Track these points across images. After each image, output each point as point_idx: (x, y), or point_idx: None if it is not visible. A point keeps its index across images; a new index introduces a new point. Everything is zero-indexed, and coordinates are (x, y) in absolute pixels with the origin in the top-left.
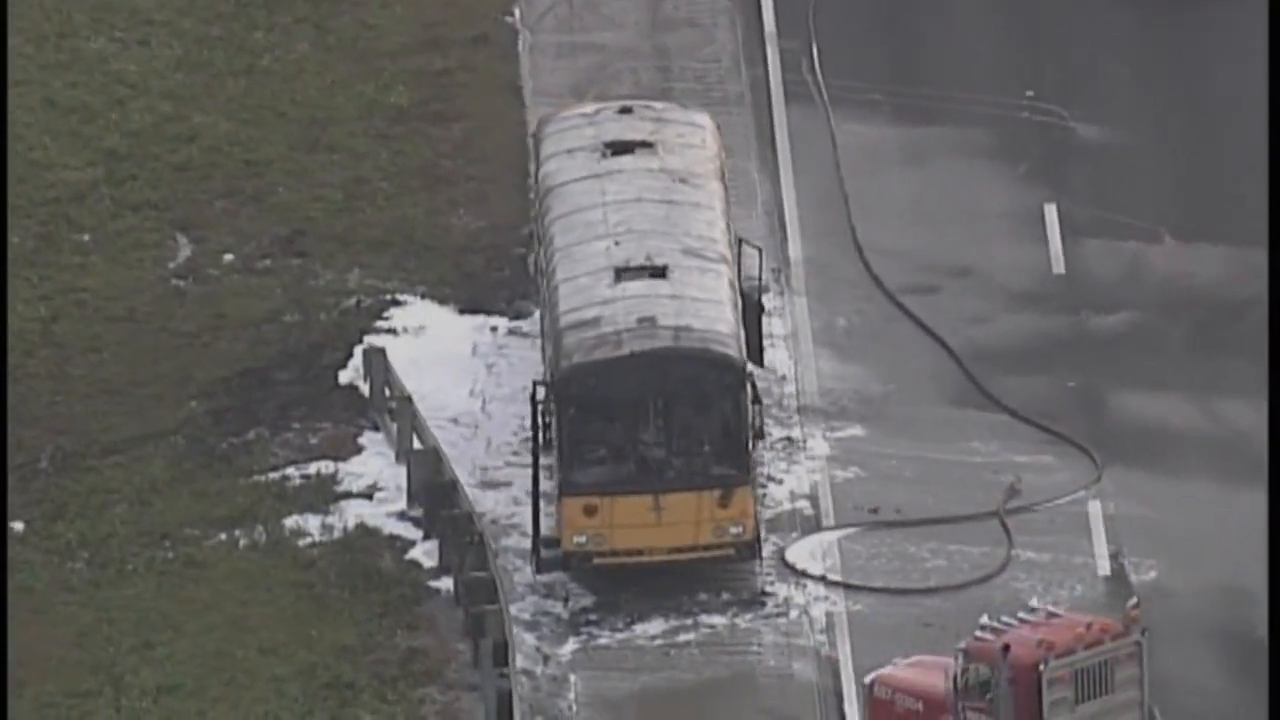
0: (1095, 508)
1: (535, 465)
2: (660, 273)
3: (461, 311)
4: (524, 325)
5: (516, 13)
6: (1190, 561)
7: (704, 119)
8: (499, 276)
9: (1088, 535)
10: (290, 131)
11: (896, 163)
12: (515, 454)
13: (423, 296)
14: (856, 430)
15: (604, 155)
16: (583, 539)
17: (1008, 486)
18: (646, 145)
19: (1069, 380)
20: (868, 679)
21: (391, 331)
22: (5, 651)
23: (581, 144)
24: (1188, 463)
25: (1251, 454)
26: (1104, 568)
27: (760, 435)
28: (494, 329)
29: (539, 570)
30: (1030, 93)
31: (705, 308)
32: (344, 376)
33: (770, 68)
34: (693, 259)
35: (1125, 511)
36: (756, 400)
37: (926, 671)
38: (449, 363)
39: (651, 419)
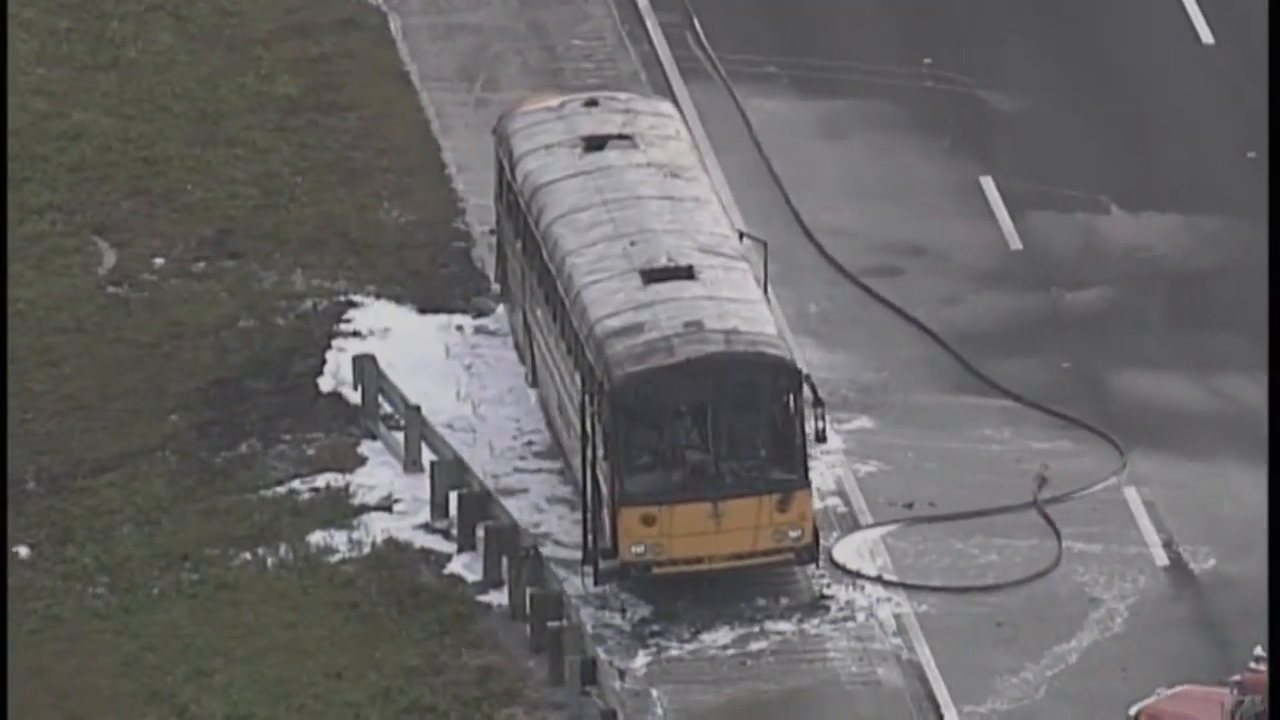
0: (1132, 494)
1: (585, 475)
2: (688, 273)
3: (422, 311)
4: (489, 323)
5: None
6: (1243, 547)
7: (669, 108)
8: (448, 273)
9: (1133, 524)
10: (181, 126)
11: (814, 138)
12: (522, 459)
13: (376, 296)
14: (865, 422)
15: (584, 150)
16: (641, 549)
17: (1037, 475)
18: (625, 138)
19: (1062, 361)
20: (1132, 710)
21: (357, 334)
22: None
23: (556, 139)
24: (1206, 442)
25: (1263, 430)
26: (1160, 558)
27: (822, 438)
28: (460, 328)
29: (597, 581)
30: (928, 60)
31: (744, 308)
32: (324, 384)
33: (656, 44)
34: (713, 257)
35: (1163, 497)
36: (819, 402)
37: (1194, 703)
38: (426, 366)
39: (708, 425)
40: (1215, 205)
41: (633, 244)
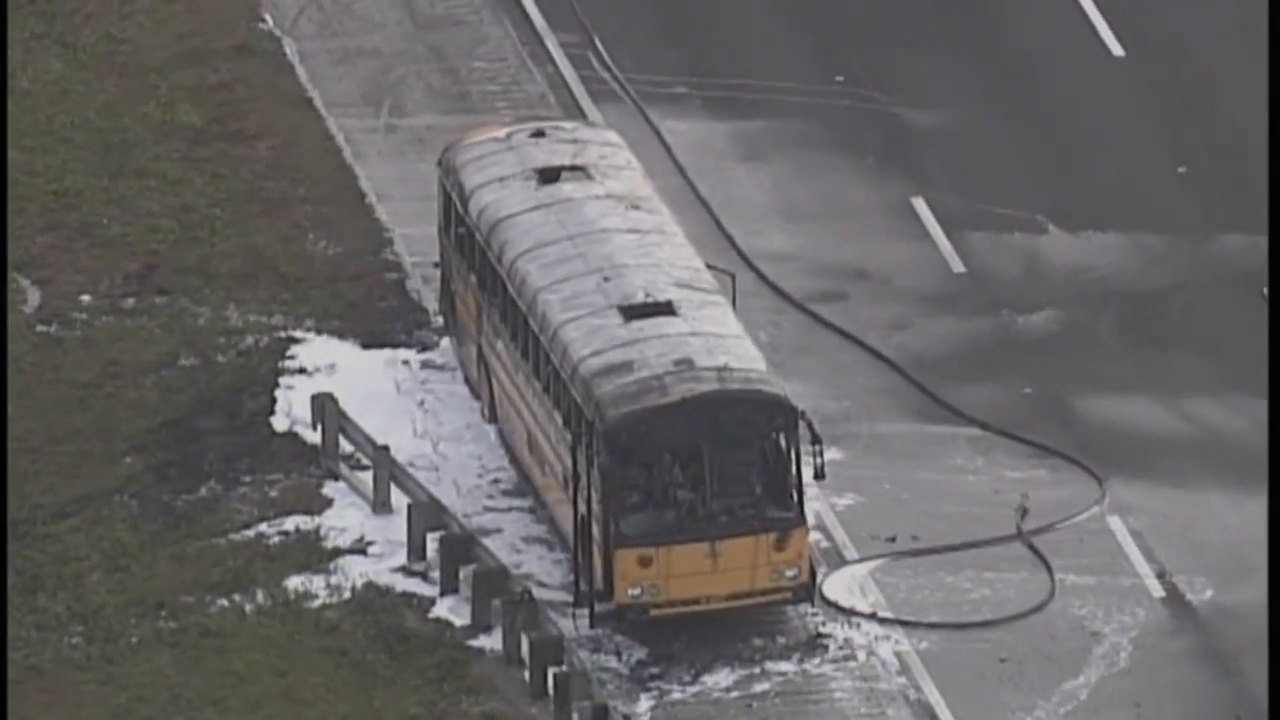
0: (1117, 523)
1: (577, 516)
2: (669, 309)
3: (365, 346)
4: (436, 357)
5: (268, 18)
6: (1237, 575)
7: (615, 136)
8: (386, 306)
9: (1122, 554)
10: (86, 158)
11: (735, 160)
12: (490, 498)
13: (317, 332)
14: (835, 454)
15: (540, 183)
16: (638, 591)
17: (1019, 506)
18: (579, 170)
19: (1023, 386)
20: None
21: (303, 371)
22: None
23: (509, 171)
24: (1181, 467)
25: (1238, 454)
26: (1156, 589)
27: (821, 475)
28: (406, 363)
29: (593, 625)
30: (840, 78)
31: (731, 344)
32: (278, 423)
33: (560, 65)
34: (689, 291)
35: (1149, 526)
36: (817, 439)
37: None
38: (379, 403)
39: (703, 464)
40: (1153, 222)
41: (606, 279)
